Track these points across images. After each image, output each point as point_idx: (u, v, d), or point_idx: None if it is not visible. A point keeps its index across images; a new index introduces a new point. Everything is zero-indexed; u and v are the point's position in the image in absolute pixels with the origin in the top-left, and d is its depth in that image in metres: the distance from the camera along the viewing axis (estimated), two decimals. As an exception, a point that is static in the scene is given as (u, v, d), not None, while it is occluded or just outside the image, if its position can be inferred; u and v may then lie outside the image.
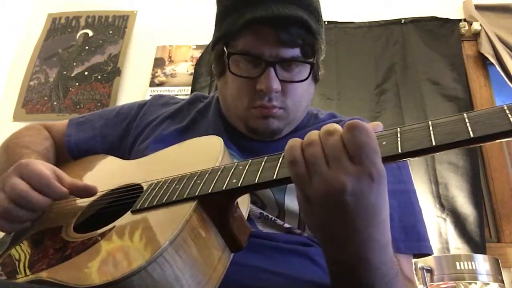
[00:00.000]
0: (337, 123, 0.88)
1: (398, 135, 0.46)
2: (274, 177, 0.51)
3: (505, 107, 0.42)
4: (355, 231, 0.48)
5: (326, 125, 0.50)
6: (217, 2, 0.86)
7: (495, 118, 0.41)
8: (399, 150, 0.45)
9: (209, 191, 0.54)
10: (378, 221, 0.48)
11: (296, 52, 0.77)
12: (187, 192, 0.56)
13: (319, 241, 0.54)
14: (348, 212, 0.46)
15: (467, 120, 0.43)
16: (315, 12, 0.80)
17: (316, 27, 0.77)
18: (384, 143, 0.47)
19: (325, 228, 0.50)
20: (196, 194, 0.55)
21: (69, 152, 0.97)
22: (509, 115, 0.41)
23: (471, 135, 0.41)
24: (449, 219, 2.01)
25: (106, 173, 0.86)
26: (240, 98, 0.80)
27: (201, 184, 0.56)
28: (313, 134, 0.50)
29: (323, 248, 0.54)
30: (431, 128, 0.45)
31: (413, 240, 0.74)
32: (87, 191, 0.72)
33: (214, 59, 0.86)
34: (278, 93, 0.78)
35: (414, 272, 1.50)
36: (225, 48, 0.80)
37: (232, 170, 0.56)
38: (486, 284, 1.62)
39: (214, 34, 0.86)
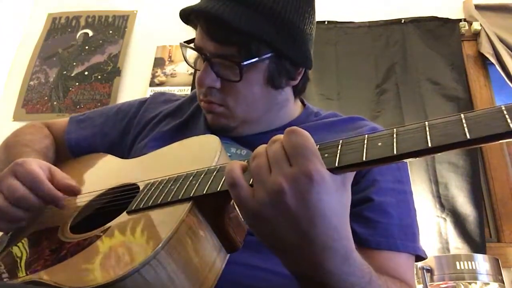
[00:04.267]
0: (335, 121, 0.88)
1: (394, 136, 0.45)
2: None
3: (503, 108, 0.40)
4: (306, 239, 0.47)
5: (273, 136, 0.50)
6: None
7: (493, 119, 0.40)
8: (395, 152, 0.44)
9: (204, 192, 0.54)
10: (329, 225, 0.46)
11: (232, 50, 0.75)
12: (182, 193, 0.56)
13: (278, 257, 0.52)
14: (294, 216, 0.46)
15: (464, 121, 0.42)
16: (265, 12, 0.74)
17: (251, 28, 0.73)
18: (379, 144, 0.45)
19: (277, 240, 0.49)
20: (191, 195, 0.55)
21: (70, 149, 0.97)
22: (507, 116, 0.39)
23: (468, 136, 0.40)
24: (449, 219, 2.01)
25: (104, 172, 0.86)
26: (197, 90, 0.84)
27: (196, 185, 0.56)
28: (260, 148, 0.50)
29: (284, 264, 0.52)
30: (427, 129, 0.43)
31: (409, 240, 0.73)
32: (68, 190, 0.72)
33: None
34: (217, 90, 0.78)
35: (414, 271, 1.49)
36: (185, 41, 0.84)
37: None
38: (486, 284, 1.62)
39: None
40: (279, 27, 0.76)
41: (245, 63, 0.75)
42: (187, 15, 0.80)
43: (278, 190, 0.45)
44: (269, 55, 0.76)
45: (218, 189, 0.53)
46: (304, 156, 0.45)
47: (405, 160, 0.46)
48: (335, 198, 0.46)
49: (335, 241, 0.47)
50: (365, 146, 0.46)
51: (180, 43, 0.84)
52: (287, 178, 0.45)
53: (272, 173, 0.46)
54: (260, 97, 0.81)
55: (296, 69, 0.82)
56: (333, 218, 0.47)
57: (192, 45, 0.82)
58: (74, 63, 2.68)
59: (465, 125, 0.41)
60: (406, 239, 0.72)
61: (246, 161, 0.51)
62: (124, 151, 0.92)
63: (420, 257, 0.75)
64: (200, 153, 0.69)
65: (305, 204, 0.45)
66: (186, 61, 0.86)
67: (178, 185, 0.58)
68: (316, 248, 0.47)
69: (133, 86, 2.57)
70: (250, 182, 0.48)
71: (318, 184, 0.45)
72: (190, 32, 0.84)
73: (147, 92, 2.49)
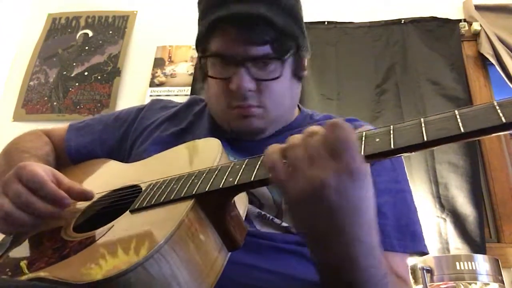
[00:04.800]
0: None
1: (391, 132, 0.47)
2: (270, 175, 0.52)
3: (495, 103, 0.43)
4: (341, 231, 0.48)
5: (309, 127, 0.51)
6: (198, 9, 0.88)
7: (486, 114, 0.42)
8: (392, 146, 0.46)
9: (206, 190, 0.55)
10: (363, 220, 0.49)
11: (266, 49, 0.77)
12: (184, 191, 0.57)
13: (307, 244, 0.54)
14: (332, 209, 0.47)
15: (458, 116, 0.44)
16: (284, 7, 0.78)
17: (283, 23, 0.77)
18: (377, 140, 0.48)
19: (311, 230, 0.51)
20: (194, 193, 0.56)
21: (69, 157, 0.97)
22: (499, 110, 0.42)
23: (462, 130, 0.42)
24: (449, 219, 2.01)
25: (106, 176, 0.87)
26: (220, 100, 0.82)
27: (199, 183, 0.57)
28: (295, 138, 0.51)
29: (311, 251, 0.54)
30: (423, 124, 0.46)
31: (408, 240, 0.74)
32: (83, 195, 0.72)
33: (197, 65, 0.88)
34: (253, 92, 0.79)
35: (410, 271, 1.50)
36: (199, 53, 0.83)
37: (229, 169, 0.57)
38: (486, 284, 1.62)
39: None
40: (295, 21, 0.80)
41: (284, 58, 0.79)
42: (214, 24, 0.78)
43: (321, 184, 0.46)
44: (294, 49, 0.81)
45: (221, 186, 0.54)
46: (348, 152, 0.46)
47: (402, 155, 0.48)
48: (370, 192, 0.48)
49: (366, 234, 0.49)
50: (363, 142, 0.48)
51: (200, 56, 0.83)
52: (331, 172, 0.46)
53: (315, 165, 0.47)
54: (288, 92, 0.84)
55: (304, 59, 0.86)
56: (367, 212, 0.49)
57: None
58: (74, 64, 2.68)
59: (459, 119, 0.44)
60: (403, 238, 0.73)
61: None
62: (123, 157, 0.93)
63: (423, 252, 0.76)
64: (201, 155, 0.71)
65: (345, 199, 0.47)
66: (208, 76, 0.82)
67: (180, 184, 0.59)
68: (347, 240, 0.49)
69: (133, 87, 2.57)
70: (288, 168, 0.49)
71: (360, 180, 0.47)
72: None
73: (147, 92, 2.49)
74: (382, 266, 0.54)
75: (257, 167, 0.54)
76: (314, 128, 0.50)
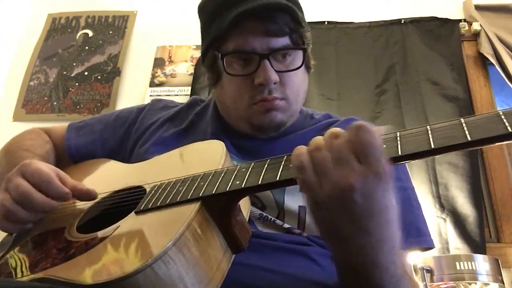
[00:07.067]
0: (333, 123, 0.89)
1: (398, 139, 0.48)
2: (277, 179, 0.52)
3: (501, 113, 0.44)
4: (366, 233, 0.49)
5: (330, 129, 0.51)
6: (199, 15, 0.88)
7: (491, 123, 0.43)
8: (399, 153, 0.47)
9: (213, 192, 0.55)
10: (386, 220, 0.49)
11: (286, 41, 0.80)
12: (190, 193, 0.57)
13: (331, 247, 0.55)
14: (358, 212, 0.47)
15: (464, 125, 0.45)
16: (295, 2, 0.83)
17: (300, 15, 0.81)
18: (384, 146, 0.48)
19: (336, 232, 0.51)
20: (200, 195, 0.56)
21: (70, 156, 0.97)
22: (505, 120, 0.43)
23: (468, 138, 0.43)
24: (449, 219, 2.01)
25: (108, 177, 0.87)
26: (240, 98, 0.81)
27: (205, 186, 0.57)
28: (319, 139, 0.51)
29: (334, 253, 0.55)
30: (429, 132, 0.47)
31: (412, 236, 0.75)
32: (88, 195, 0.72)
33: (207, 68, 0.88)
34: (277, 84, 0.80)
35: (414, 271, 1.50)
36: (216, 52, 0.82)
37: (235, 172, 0.57)
38: (486, 284, 1.62)
39: (202, 45, 0.88)
40: (302, 11, 0.84)
41: (305, 47, 0.82)
42: (236, 20, 0.77)
43: (348, 187, 0.46)
44: (308, 39, 0.84)
45: (227, 189, 0.54)
46: (374, 155, 0.46)
47: (407, 162, 0.49)
48: (392, 192, 0.49)
49: (388, 233, 0.50)
50: None
51: (223, 54, 0.81)
52: (358, 176, 0.46)
53: (340, 168, 0.47)
54: (303, 83, 0.85)
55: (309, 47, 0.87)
56: (391, 212, 0.50)
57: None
58: (74, 64, 2.68)
59: (465, 128, 0.44)
60: (408, 236, 0.74)
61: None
62: (124, 157, 0.93)
63: (429, 247, 0.78)
64: (205, 157, 0.70)
65: (371, 201, 0.47)
66: (228, 73, 0.81)
67: (186, 186, 0.59)
68: (371, 239, 0.49)
69: (133, 87, 2.57)
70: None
71: (385, 183, 0.47)
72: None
73: (147, 92, 2.49)
74: (402, 265, 0.55)
75: (264, 170, 0.54)
76: (336, 130, 0.50)
